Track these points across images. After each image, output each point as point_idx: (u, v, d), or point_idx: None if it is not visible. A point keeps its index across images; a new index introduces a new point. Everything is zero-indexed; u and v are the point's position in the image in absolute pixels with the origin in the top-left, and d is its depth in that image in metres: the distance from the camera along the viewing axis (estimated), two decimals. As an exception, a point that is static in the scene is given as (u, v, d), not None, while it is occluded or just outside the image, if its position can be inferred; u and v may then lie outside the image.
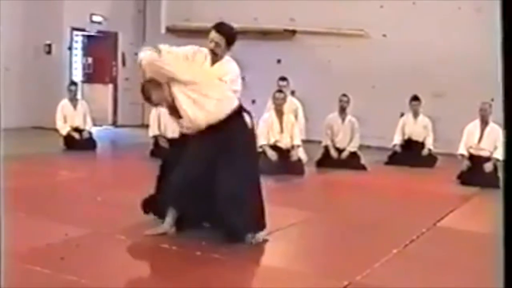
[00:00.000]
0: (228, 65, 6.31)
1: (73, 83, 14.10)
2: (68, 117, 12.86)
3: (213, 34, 6.15)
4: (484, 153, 10.54)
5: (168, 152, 6.85)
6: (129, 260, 5.65)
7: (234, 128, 5.80)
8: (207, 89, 5.81)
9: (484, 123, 10.63)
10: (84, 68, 18.23)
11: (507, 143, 1.55)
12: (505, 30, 1.53)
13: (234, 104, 5.89)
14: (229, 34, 6.21)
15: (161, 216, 6.15)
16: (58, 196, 8.50)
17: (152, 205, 6.35)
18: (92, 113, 13.46)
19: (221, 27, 6.21)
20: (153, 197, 6.32)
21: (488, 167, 10.32)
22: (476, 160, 10.54)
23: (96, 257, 5.52)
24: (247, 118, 5.93)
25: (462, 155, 10.72)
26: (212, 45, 6.14)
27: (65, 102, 13.09)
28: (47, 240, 5.77)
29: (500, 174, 10.19)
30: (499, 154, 10.35)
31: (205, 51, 6.21)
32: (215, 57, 6.22)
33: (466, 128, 10.83)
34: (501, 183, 7.45)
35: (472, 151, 10.66)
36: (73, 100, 13.12)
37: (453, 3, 14.62)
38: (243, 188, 5.80)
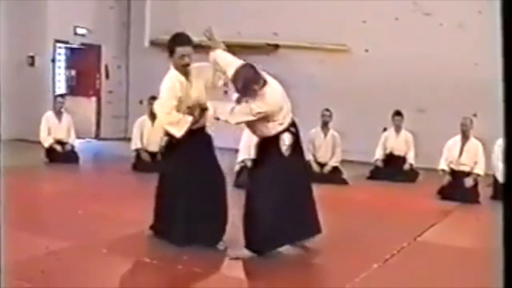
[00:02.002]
0: (201, 71, 6.29)
1: (61, 95, 14.08)
2: (52, 129, 12.79)
3: (185, 48, 6.05)
4: (465, 168, 10.59)
5: (164, 166, 6.62)
6: (110, 273, 5.64)
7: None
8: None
9: (465, 138, 10.68)
10: (67, 81, 18.18)
11: (507, 149, 1.57)
12: (505, 31, 1.55)
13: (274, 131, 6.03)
14: (193, 42, 6.16)
15: (164, 236, 6.20)
16: (40, 209, 8.48)
17: (157, 225, 6.38)
18: (75, 126, 13.39)
19: (187, 38, 6.14)
20: (157, 216, 6.36)
21: (468, 182, 10.37)
22: (456, 175, 10.59)
23: (77, 270, 5.51)
24: (283, 143, 6.05)
25: (443, 170, 10.77)
26: (187, 59, 6.05)
27: (49, 114, 13.04)
28: (28, 253, 5.76)
29: (480, 189, 10.28)
30: (480, 169, 10.43)
31: (173, 80, 6.14)
32: (187, 70, 6.16)
33: (447, 143, 10.88)
34: (480, 198, 7.53)
35: (453, 166, 10.71)
36: (58, 113, 13.06)
37: (435, 19, 14.75)
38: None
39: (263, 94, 5.77)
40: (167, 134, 6.19)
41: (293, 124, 6.19)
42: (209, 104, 6.02)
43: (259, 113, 5.81)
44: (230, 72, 5.93)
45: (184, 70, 6.14)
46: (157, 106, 6.31)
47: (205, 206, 6.13)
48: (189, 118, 5.96)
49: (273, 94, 5.87)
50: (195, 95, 6.15)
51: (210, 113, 5.98)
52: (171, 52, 6.13)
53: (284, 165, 6.03)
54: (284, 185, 6.00)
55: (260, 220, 5.86)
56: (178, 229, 6.09)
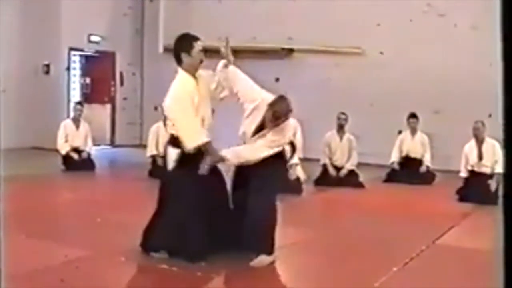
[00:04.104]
0: (203, 78, 6.07)
1: (79, 102, 14.12)
2: (69, 136, 12.85)
3: (201, 43, 5.97)
4: (486, 170, 10.47)
5: (168, 176, 6.22)
6: (129, 281, 5.65)
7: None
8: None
9: (480, 141, 10.60)
10: (82, 88, 18.25)
11: (507, 154, 1.56)
12: (504, 33, 1.54)
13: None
14: None
15: (164, 248, 5.96)
16: (58, 218, 8.50)
17: (154, 240, 6.06)
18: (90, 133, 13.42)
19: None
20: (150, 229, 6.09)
21: (493, 185, 10.19)
22: (476, 177, 10.49)
23: (96, 278, 5.50)
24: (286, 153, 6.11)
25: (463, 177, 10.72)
26: (203, 54, 5.93)
27: (67, 122, 13.14)
28: (47, 262, 5.78)
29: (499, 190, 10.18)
30: (501, 168, 10.28)
31: (186, 83, 5.93)
32: (196, 72, 6.00)
33: (463, 150, 10.74)
34: (499, 200, 7.39)
35: (475, 169, 10.59)
36: (76, 120, 13.13)
37: (450, 20, 14.69)
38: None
39: (284, 126, 5.84)
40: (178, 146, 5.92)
41: None
42: (223, 153, 5.84)
43: (278, 145, 5.87)
44: (246, 97, 5.99)
45: (194, 70, 5.97)
46: (176, 109, 5.92)
47: (223, 219, 6.00)
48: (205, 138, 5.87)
49: (290, 124, 5.99)
50: (203, 100, 5.96)
51: (229, 160, 5.84)
52: (189, 50, 5.92)
53: (279, 166, 6.14)
54: (278, 184, 6.18)
55: (268, 225, 5.86)
56: (196, 247, 5.83)
